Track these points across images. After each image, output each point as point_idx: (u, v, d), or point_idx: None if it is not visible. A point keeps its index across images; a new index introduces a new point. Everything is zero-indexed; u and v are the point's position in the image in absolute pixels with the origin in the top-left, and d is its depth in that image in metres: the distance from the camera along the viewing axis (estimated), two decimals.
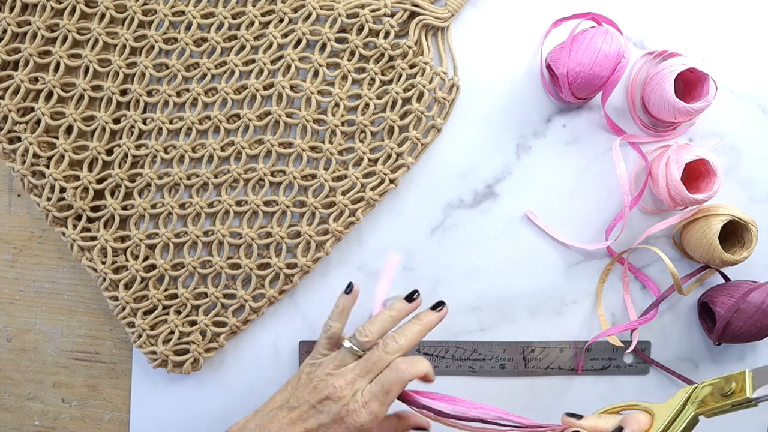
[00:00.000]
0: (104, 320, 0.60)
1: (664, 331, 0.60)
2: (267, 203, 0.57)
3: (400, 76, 0.56)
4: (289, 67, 0.56)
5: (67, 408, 0.60)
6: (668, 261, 0.55)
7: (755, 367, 0.42)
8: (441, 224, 0.59)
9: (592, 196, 0.59)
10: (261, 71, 0.56)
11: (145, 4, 0.56)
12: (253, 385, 0.59)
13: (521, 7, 0.58)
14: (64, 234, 0.56)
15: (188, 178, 0.57)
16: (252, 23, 0.56)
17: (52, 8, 0.55)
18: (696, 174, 0.56)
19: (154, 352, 0.57)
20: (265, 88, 0.57)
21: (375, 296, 0.56)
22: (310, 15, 0.56)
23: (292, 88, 0.56)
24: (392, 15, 0.56)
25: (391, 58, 0.56)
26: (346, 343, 0.49)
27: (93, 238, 0.56)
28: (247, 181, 0.57)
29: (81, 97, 0.56)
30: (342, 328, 0.51)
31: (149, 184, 0.57)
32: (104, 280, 0.56)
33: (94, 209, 0.57)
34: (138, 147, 0.56)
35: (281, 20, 0.57)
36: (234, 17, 0.57)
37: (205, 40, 0.57)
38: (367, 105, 0.56)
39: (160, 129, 0.56)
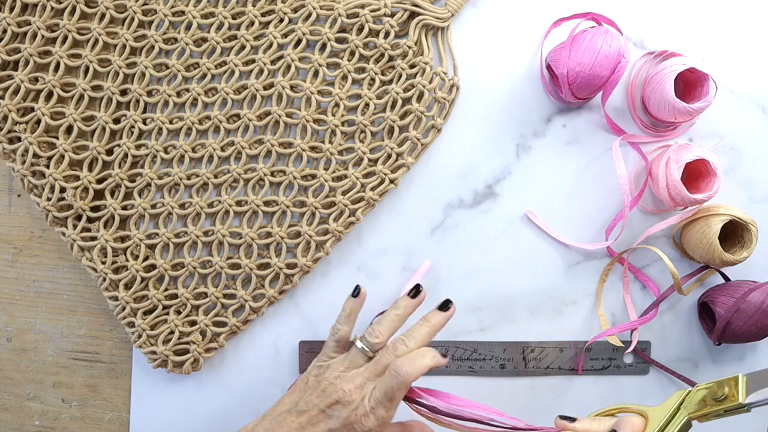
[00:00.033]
0: (104, 320, 0.60)
1: (664, 331, 0.60)
2: (267, 203, 0.57)
3: (400, 76, 0.56)
4: (289, 67, 0.56)
5: (67, 408, 0.60)
6: (668, 261, 0.55)
7: (749, 372, 0.42)
8: (441, 224, 0.59)
9: (592, 196, 0.59)
10: (261, 71, 0.56)
11: (145, 4, 0.56)
12: (253, 385, 0.59)
13: (521, 7, 0.58)
14: (64, 234, 0.56)
15: (188, 178, 0.57)
16: (252, 23, 0.56)
17: (52, 8, 0.55)
18: (696, 174, 0.56)
19: (154, 352, 0.57)
20: (265, 88, 0.57)
21: (401, 294, 0.56)
22: (310, 15, 0.56)
23: (292, 88, 0.56)
24: (392, 15, 0.56)
25: (391, 58, 0.56)
26: (358, 344, 0.49)
27: (93, 238, 0.56)
28: (247, 181, 0.57)
29: (81, 97, 0.56)
30: (350, 331, 0.51)
31: (149, 184, 0.57)
32: (104, 280, 0.56)
33: (94, 209, 0.57)
34: (138, 147, 0.56)
35: (281, 20, 0.57)
36: (234, 17, 0.57)
37: (205, 40, 0.57)
38: (367, 105, 0.56)
39: (160, 129, 0.56)
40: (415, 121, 0.57)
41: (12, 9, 0.55)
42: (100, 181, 0.57)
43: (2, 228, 0.59)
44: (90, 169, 0.56)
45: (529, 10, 0.58)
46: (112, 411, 0.60)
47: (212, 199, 0.57)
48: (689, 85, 0.57)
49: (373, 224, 0.59)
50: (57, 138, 0.56)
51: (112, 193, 0.57)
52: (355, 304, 0.51)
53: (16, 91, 0.55)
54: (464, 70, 0.58)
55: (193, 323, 0.57)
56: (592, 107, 0.59)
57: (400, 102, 0.56)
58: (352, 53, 0.57)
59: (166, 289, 0.57)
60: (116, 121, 0.57)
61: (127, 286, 0.57)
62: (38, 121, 0.55)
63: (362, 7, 0.56)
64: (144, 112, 0.57)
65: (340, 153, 0.57)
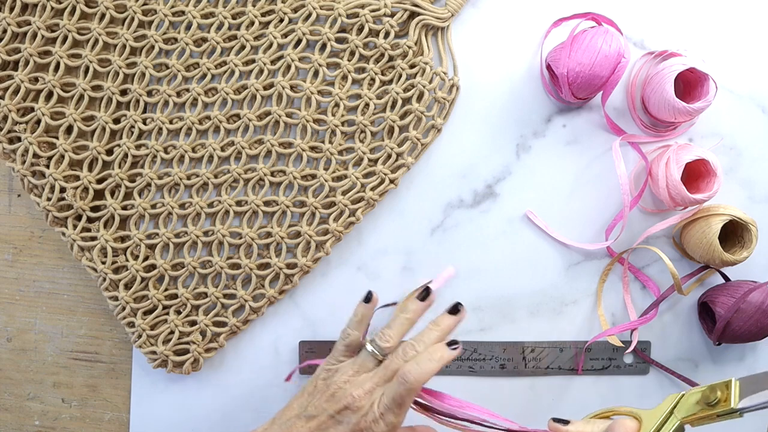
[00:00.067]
0: (104, 320, 0.60)
1: (664, 331, 0.60)
2: (267, 203, 0.57)
3: (400, 76, 0.56)
4: (289, 67, 0.56)
5: (67, 408, 0.60)
6: (668, 261, 0.55)
7: (742, 376, 0.41)
8: (441, 224, 0.59)
9: (592, 196, 0.59)
10: (261, 71, 0.56)
11: (145, 4, 0.56)
12: (253, 385, 0.59)
13: (521, 7, 0.58)
14: (64, 234, 0.56)
15: (188, 178, 0.57)
16: (252, 23, 0.56)
17: (52, 8, 0.55)
18: (696, 174, 0.56)
19: (154, 352, 0.57)
20: (265, 88, 0.57)
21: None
22: (310, 15, 0.56)
23: (292, 88, 0.56)
24: (392, 15, 0.56)
25: (391, 58, 0.56)
26: (368, 347, 0.49)
27: (93, 238, 0.56)
28: (247, 181, 0.57)
29: (81, 97, 0.56)
30: (360, 336, 0.50)
31: (149, 184, 0.57)
32: (104, 280, 0.56)
33: (94, 209, 0.57)
34: (138, 147, 0.56)
35: (281, 20, 0.57)
36: (234, 17, 0.57)
37: (205, 40, 0.57)
38: (367, 105, 0.56)
39: (160, 129, 0.56)
40: (415, 121, 0.57)
41: (12, 9, 0.55)
42: (100, 181, 0.57)
43: (2, 228, 0.59)
44: (90, 169, 0.56)
45: (529, 10, 0.58)
46: (112, 411, 0.60)
47: (212, 199, 0.57)
48: (689, 85, 0.57)
49: (373, 224, 0.59)
50: (57, 138, 0.56)
51: (112, 193, 0.57)
52: (367, 310, 0.51)
53: (16, 91, 0.55)
54: (464, 70, 0.58)
55: (193, 323, 0.57)
56: (592, 107, 0.59)
57: (400, 102, 0.56)
58: (352, 53, 0.57)
59: (166, 289, 0.57)
60: (116, 121, 0.57)
61: (127, 286, 0.57)
62: (38, 121, 0.55)
63: (362, 7, 0.56)
64: (144, 112, 0.57)
65: (340, 153, 0.57)
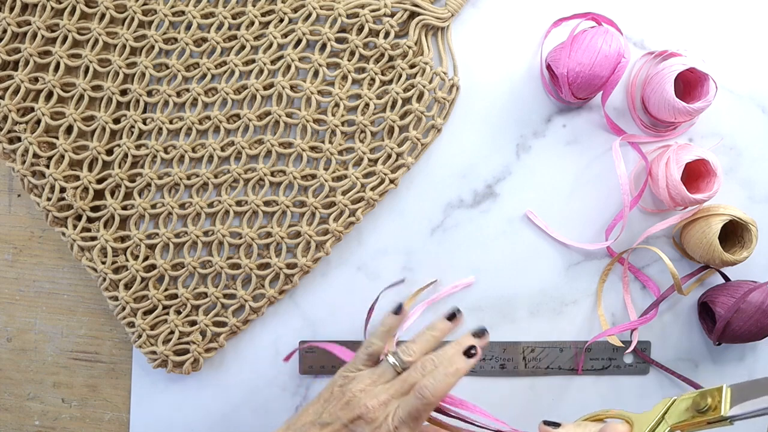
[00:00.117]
0: (104, 320, 0.60)
1: (664, 331, 0.60)
2: (267, 203, 0.57)
3: (400, 76, 0.56)
4: (289, 67, 0.56)
5: (67, 408, 0.60)
6: (668, 261, 0.55)
7: (734, 383, 0.40)
8: (441, 224, 0.59)
9: (592, 196, 0.59)
10: (261, 71, 0.56)
11: (145, 4, 0.56)
12: (253, 385, 0.59)
13: (521, 7, 0.58)
14: (64, 234, 0.56)
15: (188, 178, 0.57)
16: (252, 23, 0.56)
17: (52, 8, 0.55)
18: (696, 174, 0.56)
19: (154, 352, 0.57)
20: (265, 88, 0.57)
21: (444, 288, 0.58)
22: (310, 15, 0.56)
23: (292, 88, 0.56)
24: (392, 15, 0.56)
25: (391, 58, 0.56)
26: (390, 359, 0.48)
27: (93, 238, 0.56)
28: (247, 181, 0.57)
29: (81, 97, 0.56)
30: (383, 346, 0.49)
31: (149, 184, 0.57)
32: (104, 280, 0.56)
33: (94, 209, 0.57)
34: (138, 147, 0.56)
35: (281, 20, 0.57)
36: (234, 17, 0.57)
37: (205, 40, 0.57)
38: (367, 105, 0.56)
39: (160, 129, 0.56)
40: (415, 121, 0.57)
41: (12, 9, 0.55)
42: (100, 181, 0.57)
43: (2, 228, 0.59)
44: (90, 169, 0.56)
45: (529, 10, 0.58)
46: (112, 411, 0.60)
47: (212, 199, 0.57)
48: (689, 85, 0.57)
49: (373, 224, 0.59)
50: (57, 138, 0.56)
51: (112, 193, 0.57)
52: (396, 322, 0.50)
53: (16, 91, 0.55)
54: (464, 70, 0.58)
55: (193, 323, 0.57)
56: (592, 107, 0.59)
57: (400, 102, 0.56)
58: (352, 53, 0.57)
59: (166, 289, 0.57)
60: (116, 121, 0.57)
61: (127, 286, 0.57)
62: (38, 121, 0.55)
63: (362, 7, 0.56)
64: (144, 112, 0.57)
65: (340, 153, 0.57)
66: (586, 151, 0.59)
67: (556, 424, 0.46)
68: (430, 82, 0.56)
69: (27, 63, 0.55)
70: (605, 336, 0.58)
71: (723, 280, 0.59)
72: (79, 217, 0.56)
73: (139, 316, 0.56)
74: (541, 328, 0.60)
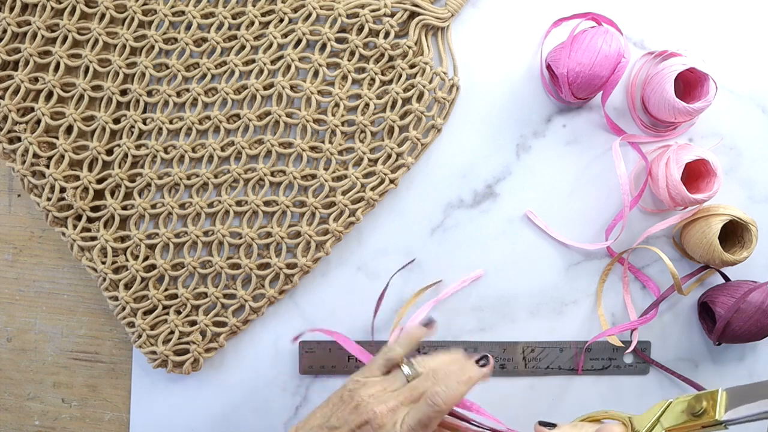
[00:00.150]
0: (104, 320, 0.60)
1: (664, 331, 0.60)
2: (267, 203, 0.57)
3: (400, 76, 0.56)
4: (289, 67, 0.56)
5: (67, 408, 0.60)
6: (668, 261, 0.55)
7: (730, 387, 0.40)
8: (441, 224, 0.59)
9: (592, 196, 0.59)
10: (261, 71, 0.56)
11: (145, 4, 0.56)
12: (253, 385, 0.59)
13: (521, 7, 0.58)
14: (64, 234, 0.56)
15: (188, 178, 0.57)
16: (252, 23, 0.56)
17: (52, 8, 0.55)
18: (696, 174, 0.57)
19: (154, 352, 0.57)
20: (265, 88, 0.57)
21: (446, 289, 0.58)
22: (310, 15, 0.56)
23: (292, 88, 0.56)
24: (392, 15, 0.56)
25: (391, 58, 0.56)
26: (405, 369, 0.48)
27: (93, 238, 0.56)
28: (247, 181, 0.57)
29: (81, 97, 0.56)
30: (403, 355, 0.49)
31: (149, 184, 0.57)
32: (104, 280, 0.56)
33: (94, 209, 0.57)
34: (138, 147, 0.56)
35: (281, 20, 0.57)
36: (234, 17, 0.57)
37: (205, 40, 0.57)
38: (367, 105, 0.56)
39: (160, 129, 0.56)
40: (415, 121, 0.57)
41: (12, 9, 0.55)
42: (100, 181, 0.57)
43: (2, 228, 0.59)
44: (90, 169, 0.56)
45: (529, 10, 0.58)
46: (112, 411, 0.60)
47: (212, 199, 0.57)
48: (689, 85, 0.57)
49: (373, 224, 0.59)
50: (57, 138, 0.56)
51: (112, 193, 0.57)
52: (423, 335, 0.49)
53: (16, 91, 0.55)
54: (464, 70, 0.58)
55: (193, 323, 0.57)
56: (592, 107, 0.59)
57: (400, 102, 0.56)
58: (352, 53, 0.57)
59: (166, 289, 0.57)
60: (116, 121, 0.57)
61: (127, 286, 0.57)
62: (38, 121, 0.55)
63: (362, 7, 0.56)
64: (144, 112, 0.57)
65: (340, 153, 0.57)
66: (586, 151, 0.59)
67: (552, 425, 0.46)
68: (430, 82, 0.56)
69: (27, 63, 0.55)
70: (605, 336, 0.58)
71: (723, 280, 0.59)
72: (79, 217, 0.56)
73: (139, 316, 0.56)
74: (541, 328, 0.60)
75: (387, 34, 0.56)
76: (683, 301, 0.60)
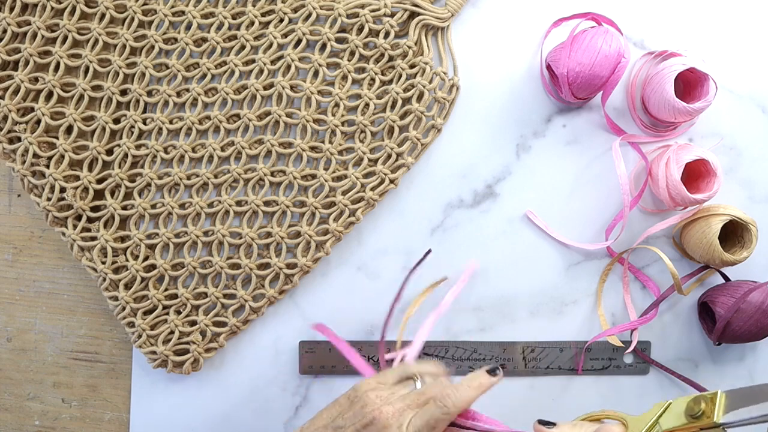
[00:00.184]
0: (104, 320, 0.60)
1: (664, 331, 0.60)
2: (267, 203, 0.57)
3: (400, 76, 0.56)
4: (289, 67, 0.56)
5: (67, 408, 0.60)
6: (668, 261, 0.55)
7: (730, 389, 0.40)
8: (441, 224, 0.59)
9: (592, 196, 0.59)
10: (261, 71, 0.56)
11: (145, 4, 0.56)
12: (254, 385, 0.59)
13: (521, 7, 0.58)
14: (64, 234, 0.56)
15: (188, 178, 0.57)
16: (252, 23, 0.56)
17: (52, 8, 0.55)
18: (696, 174, 0.56)
19: (154, 352, 0.57)
20: (265, 88, 0.57)
21: (445, 297, 0.57)
22: (310, 15, 0.56)
23: (292, 88, 0.56)
24: (392, 15, 0.56)
25: (391, 58, 0.56)
26: (418, 384, 0.48)
27: (93, 238, 0.56)
28: (247, 181, 0.57)
29: (81, 97, 0.56)
30: (422, 380, 0.49)
31: (149, 184, 0.57)
32: (104, 280, 0.56)
33: (94, 209, 0.57)
34: (138, 147, 0.56)
35: (281, 20, 0.57)
36: (234, 17, 0.57)
37: (205, 40, 0.57)
38: (367, 105, 0.56)
39: (160, 129, 0.56)
40: (415, 121, 0.57)
41: (12, 9, 0.55)
42: (100, 181, 0.57)
43: (2, 228, 0.59)
44: (90, 169, 0.56)
45: (529, 10, 0.58)
46: (112, 411, 0.60)
47: (212, 199, 0.57)
48: (689, 85, 0.57)
49: (373, 224, 0.59)
50: (57, 138, 0.56)
51: (112, 193, 0.57)
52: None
53: (16, 91, 0.55)
54: (464, 70, 0.58)
55: (193, 323, 0.57)
56: (592, 107, 0.59)
57: (400, 102, 0.56)
58: (352, 53, 0.57)
59: (166, 289, 0.57)
60: (116, 121, 0.57)
61: (127, 286, 0.57)
62: (38, 121, 0.55)
63: (362, 7, 0.56)
64: (144, 112, 0.57)
65: (340, 153, 0.57)
66: (586, 151, 0.59)
67: (551, 424, 0.46)
68: (430, 82, 0.56)
69: (27, 63, 0.55)
70: (605, 336, 0.58)
71: (723, 280, 0.59)
72: (79, 217, 0.56)
73: (139, 316, 0.56)
74: (541, 328, 0.60)
75: (387, 34, 0.56)
76: (683, 301, 0.60)
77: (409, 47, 0.56)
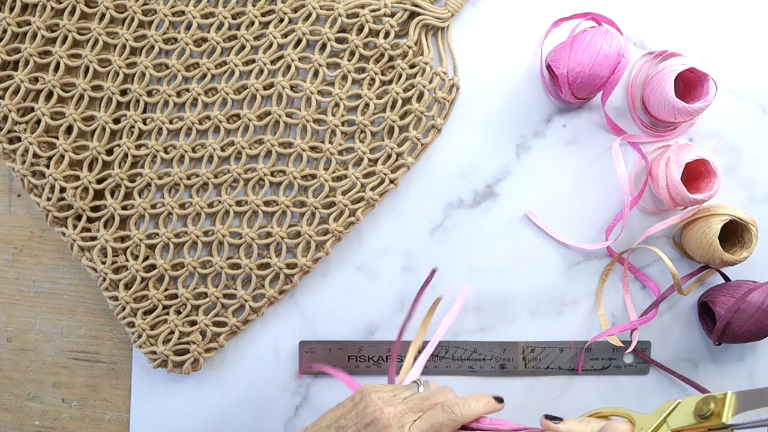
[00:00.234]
0: (104, 320, 0.60)
1: (664, 331, 0.60)
2: (267, 203, 0.57)
3: (400, 76, 0.56)
4: (289, 67, 0.56)
5: (67, 408, 0.60)
6: (668, 261, 0.55)
7: (740, 390, 0.39)
8: (441, 224, 0.59)
9: (592, 196, 0.59)
10: (261, 71, 0.56)
11: (145, 4, 0.56)
12: (253, 385, 0.59)
13: (521, 7, 0.58)
14: (64, 234, 0.56)
15: (188, 178, 0.57)
16: (252, 23, 0.56)
17: (52, 8, 0.55)
18: (696, 174, 0.56)
19: (154, 352, 0.57)
20: (265, 88, 0.57)
21: (439, 326, 0.57)
22: (310, 15, 0.56)
23: (292, 88, 0.56)
24: (392, 15, 0.56)
25: (391, 58, 0.56)
26: (421, 389, 0.49)
27: (93, 238, 0.56)
28: (247, 181, 0.57)
29: (81, 97, 0.56)
30: (426, 386, 0.50)
31: (149, 184, 0.57)
32: (104, 280, 0.56)
33: (94, 209, 0.57)
34: (138, 147, 0.56)
35: (281, 20, 0.57)
36: (234, 17, 0.57)
37: (205, 40, 0.57)
38: (367, 105, 0.56)
39: (160, 129, 0.56)
40: (415, 121, 0.57)
41: (12, 9, 0.55)
42: (100, 181, 0.57)
43: (2, 228, 0.59)
44: (90, 169, 0.56)
45: (529, 10, 0.58)
46: (112, 411, 0.60)
47: (212, 199, 0.57)
48: (689, 85, 0.57)
49: (373, 224, 0.59)
50: (57, 138, 0.56)
51: (112, 193, 0.57)
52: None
53: (16, 91, 0.55)
54: (464, 70, 0.58)
55: (193, 323, 0.57)
56: (592, 107, 0.59)
57: (400, 102, 0.56)
58: (352, 53, 0.57)
59: (166, 289, 0.57)
60: (116, 121, 0.57)
61: (127, 286, 0.57)
62: (38, 121, 0.55)
63: (362, 7, 0.56)
64: (144, 112, 0.57)
65: (340, 153, 0.57)
66: (586, 151, 0.59)
67: (558, 419, 0.46)
68: (430, 82, 0.56)
69: (27, 63, 0.55)
70: (605, 336, 0.58)
71: (723, 280, 0.59)
72: (79, 217, 0.56)
73: (139, 316, 0.56)
74: (541, 328, 0.60)
75: (387, 34, 0.56)
76: (683, 301, 0.60)
77: (409, 47, 0.56)
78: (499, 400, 0.48)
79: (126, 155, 0.56)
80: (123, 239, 0.57)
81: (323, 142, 0.57)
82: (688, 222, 0.57)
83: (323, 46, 0.56)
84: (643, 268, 0.60)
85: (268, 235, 0.57)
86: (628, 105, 0.59)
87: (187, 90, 0.57)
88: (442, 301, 0.57)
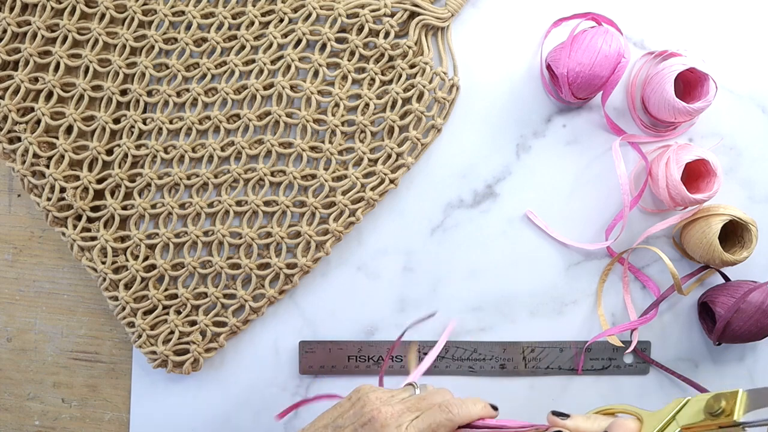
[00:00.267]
0: (104, 320, 0.60)
1: (664, 331, 0.60)
2: (267, 203, 0.57)
3: (400, 76, 0.56)
4: (289, 67, 0.56)
5: (67, 408, 0.60)
6: (668, 261, 0.55)
7: (752, 388, 0.39)
8: (441, 224, 0.59)
9: (592, 196, 0.59)
10: (261, 71, 0.56)
11: (145, 4, 0.56)
12: (253, 385, 0.59)
13: (521, 7, 0.58)
14: (64, 234, 0.56)
15: (188, 178, 0.57)
16: (252, 23, 0.56)
17: (52, 8, 0.55)
18: (696, 174, 0.56)
19: (154, 352, 0.57)
20: (265, 88, 0.57)
21: (426, 358, 0.57)
22: (310, 15, 0.56)
23: (292, 88, 0.56)
24: (392, 15, 0.56)
25: (391, 58, 0.56)
26: (417, 391, 0.50)
27: (93, 238, 0.56)
28: (247, 181, 0.57)
29: (81, 97, 0.56)
30: (422, 388, 0.50)
31: (149, 184, 0.57)
32: (104, 280, 0.56)
33: (94, 209, 0.57)
34: (138, 147, 0.56)
35: (281, 20, 0.57)
36: (234, 17, 0.57)
37: (205, 40, 0.57)
38: (367, 105, 0.56)
39: (160, 129, 0.56)
40: (415, 121, 0.57)
41: (12, 9, 0.55)
42: (100, 181, 0.57)
43: (2, 228, 0.59)
44: (90, 169, 0.56)
45: (529, 10, 0.58)
46: (112, 411, 0.60)
47: (212, 199, 0.57)
48: (689, 85, 0.57)
49: (373, 224, 0.59)
50: (57, 138, 0.56)
51: (112, 193, 0.57)
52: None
53: (16, 91, 0.55)
54: (464, 70, 0.58)
55: (193, 323, 0.57)
56: (592, 107, 0.59)
57: (400, 102, 0.56)
58: (352, 53, 0.57)
59: (166, 289, 0.57)
60: (116, 121, 0.57)
61: (127, 286, 0.57)
62: (38, 121, 0.55)
63: (362, 7, 0.56)
64: (144, 112, 0.57)
65: (340, 153, 0.57)
66: (586, 151, 0.59)
67: (565, 415, 0.46)
68: (430, 82, 0.56)
69: (27, 63, 0.55)
70: (605, 336, 0.58)
71: (723, 280, 0.59)
72: (79, 217, 0.56)
73: (139, 316, 0.56)
74: (541, 328, 0.60)
75: (387, 34, 0.56)
76: (683, 301, 0.60)
77: (409, 47, 0.56)
78: (494, 407, 0.48)
79: (126, 155, 0.56)
80: (123, 239, 0.57)
81: (323, 142, 0.57)
82: (688, 222, 0.57)
83: (323, 46, 0.56)
84: (643, 268, 0.60)
85: (268, 235, 0.57)
86: (628, 105, 0.59)
87: (187, 90, 0.57)
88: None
